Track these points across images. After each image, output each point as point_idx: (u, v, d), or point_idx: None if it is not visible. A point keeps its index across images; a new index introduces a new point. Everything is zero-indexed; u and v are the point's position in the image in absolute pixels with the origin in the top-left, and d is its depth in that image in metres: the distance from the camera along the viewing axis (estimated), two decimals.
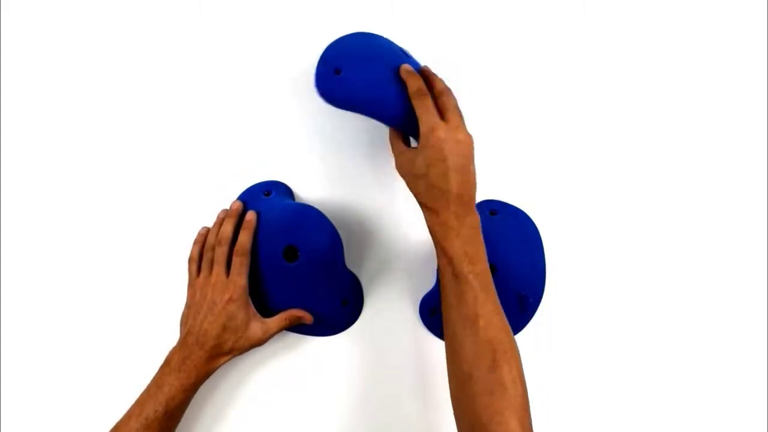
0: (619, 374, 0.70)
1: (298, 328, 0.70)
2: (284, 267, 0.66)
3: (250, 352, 0.66)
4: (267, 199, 0.71)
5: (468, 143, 0.57)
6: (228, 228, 0.67)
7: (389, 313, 0.72)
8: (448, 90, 0.61)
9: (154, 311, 0.70)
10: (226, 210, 0.70)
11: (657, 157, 0.76)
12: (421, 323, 0.71)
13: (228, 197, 0.73)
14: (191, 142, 0.76)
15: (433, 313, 0.70)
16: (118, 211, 0.74)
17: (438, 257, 0.58)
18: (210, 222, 0.71)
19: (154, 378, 0.61)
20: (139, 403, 0.59)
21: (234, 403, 0.69)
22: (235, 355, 0.63)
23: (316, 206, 0.70)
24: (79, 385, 0.70)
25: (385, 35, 0.71)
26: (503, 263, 0.67)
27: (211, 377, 0.64)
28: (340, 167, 0.75)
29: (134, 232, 0.74)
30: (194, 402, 0.65)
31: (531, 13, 0.79)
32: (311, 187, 0.75)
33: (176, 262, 0.71)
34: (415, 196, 0.59)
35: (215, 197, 0.73)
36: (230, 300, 0.62)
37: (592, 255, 0.73)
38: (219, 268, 0.64)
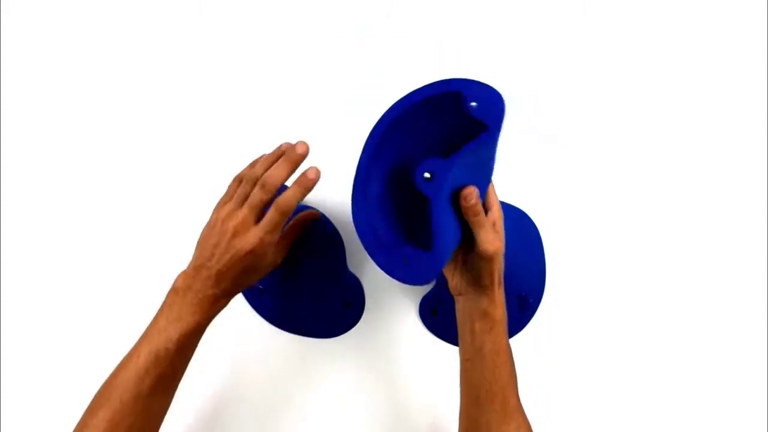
0: (619, 374, 0.70)
1: (300, 329, 0.70)
2: (286, 269, 0.66)
3: (250, 353, 0.66)
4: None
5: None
6: (281, 173, 0.55)
7: (390, 314, 0.72)
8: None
9: (153, 311, 0.70)
10: (290, 145, 0.57)
11: (656, 157, 0.76)
12: (422, 323, 0.72)
13: None
14: (192, 143, 0.76)
15: (433, 313, 0.71)
16: (118, 211, 0.74)
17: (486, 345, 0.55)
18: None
19: (162, 309, 0.55)
20: (147, 337, 0.54)
21: (234, 404, 0.69)
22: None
23: (317, 208, 0.70)
24: (78, 384, 0.70)
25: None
26: (503, 263, 0.67)
27: (211, 378, 0.64)
28: (341, 169, 0.75)
29: (134, 232, 0.74)
30: (194, 403, 0.65)
31: (531, 13, 0.79)
32: (313, 189, 0.75)
33: (177, 263, 0.71)
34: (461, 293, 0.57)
35: (217, 199, 0.73)
36: (251, 252, 0.54)
37: (592, 255, 0.74)
38: (249, 214, 0.54)
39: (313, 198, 0.75)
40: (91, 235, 0.74)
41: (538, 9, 0.79)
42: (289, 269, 0.66)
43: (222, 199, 0.59)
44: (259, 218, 0.55)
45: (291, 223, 0.61)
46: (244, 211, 0.54)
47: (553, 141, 0.77)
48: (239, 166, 0.75)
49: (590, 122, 0.77)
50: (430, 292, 0.71)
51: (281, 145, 0.59)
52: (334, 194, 0.74)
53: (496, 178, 0.74)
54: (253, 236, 0.54)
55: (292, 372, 0.70)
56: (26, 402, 0.70)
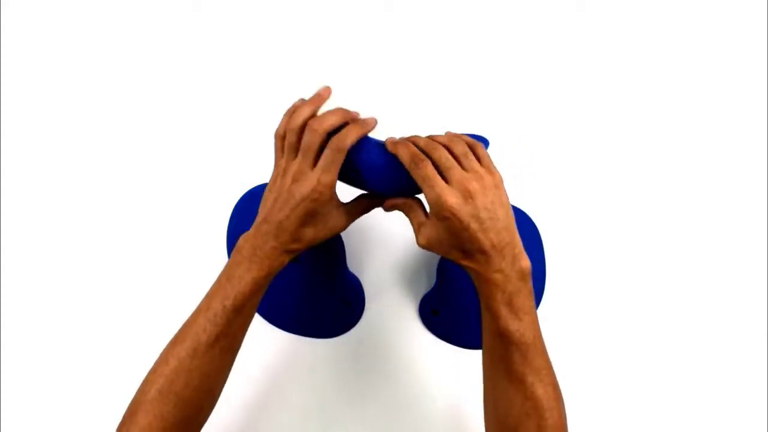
0: (619, 374, 0.70)
1: (300, 329, 0.70)
2: (286, 267, 0.66)
3: (250, 353, 0.65)
4: None
5: (483, 192, 0.50)
6: (333, 118, 0.54)
7: (390, 313, 0.72)
8: (438, 146, 0.53)
9: (153, 311, 0.70)
10: (329, 90, 0.57)
11: (656, 158, 0.77)
12: (422, 323, 0.72)
13: (229, 198, 0.73)
14: (193, 144, 0.76)
15: (433, 313, 0.71)
16: (120, 213, 0.75)
17: (482, 312, 0.53)
18: (211, 226, 0.71)
19: (224, 269, 0.55)
20: (208, 296, 0.54)
21: (233, 403, 0.69)
22: (313, 244, 0.57)
23: None
24: (76, 386, 0.70)
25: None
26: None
27: None
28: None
29: (136, 233, 0.74)
30: None
31: (530, 12, 0.79)
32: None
33: (177, 263, 0.71)
34: (453, 261, 0.54)
35: (217, 198, 0.73)
36: (310, 198, 0.53)
37: (592, 255, 0.74)
38: (305, 161, 0.53)
39: None
40: (92, 237, 0.74)
41: (538, 9, 0.79)
42: (289, 268, 0.66)
43: (275, 160, 0.57)
44: (315, 163, 0.53)
45: (365, 200, 0.60)
46: (299, 159, 0.53)
47: (553, 141, 0.77)
48: (240, 167, 0.75)
49: (590, 123, 0.77)
50: (430, 291, 0.71)
51: (321, 90, 0.57)
52: None
53: None
54: (309, 179, 0.53)
55: (291, 372, 0.70)
56: (26, 402, 0.70)
